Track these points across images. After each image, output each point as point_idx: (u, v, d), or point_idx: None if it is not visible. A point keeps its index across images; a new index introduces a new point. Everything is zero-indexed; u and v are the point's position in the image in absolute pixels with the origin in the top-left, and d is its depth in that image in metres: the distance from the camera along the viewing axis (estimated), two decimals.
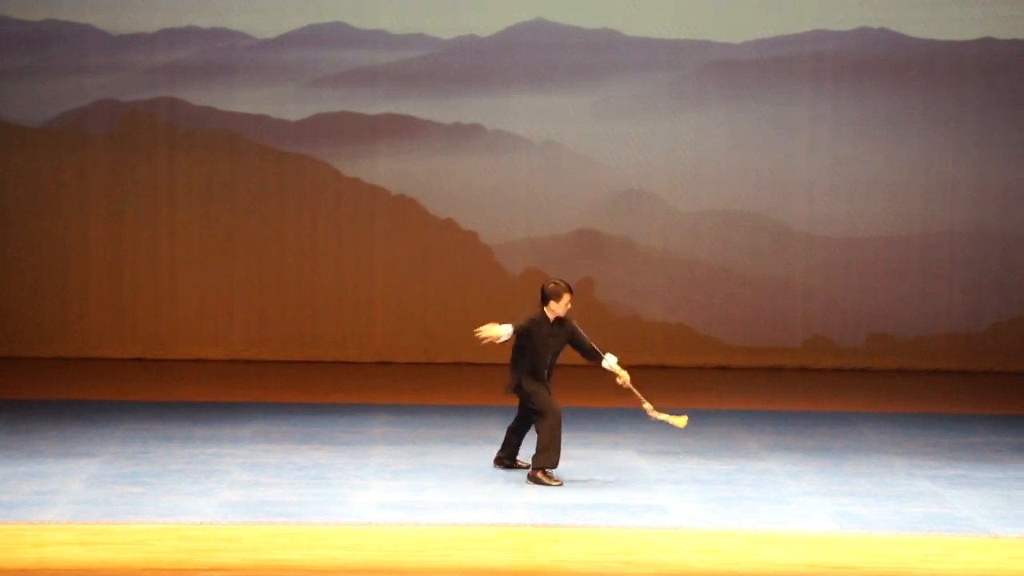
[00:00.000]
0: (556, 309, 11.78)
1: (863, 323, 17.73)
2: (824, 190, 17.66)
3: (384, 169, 17.73)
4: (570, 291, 11.80)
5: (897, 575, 9.69)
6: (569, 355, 12.10)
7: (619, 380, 11.79)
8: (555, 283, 11.81)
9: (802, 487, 11.83)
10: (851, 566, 9.82)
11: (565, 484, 11.77)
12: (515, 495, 11.44)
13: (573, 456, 12.71)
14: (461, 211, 17.77)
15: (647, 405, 11.85)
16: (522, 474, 12.07)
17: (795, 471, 12.37)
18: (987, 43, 17.51)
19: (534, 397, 11.79)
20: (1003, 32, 17.52)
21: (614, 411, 14.35)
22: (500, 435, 13.73)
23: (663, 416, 11.87)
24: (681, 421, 11.91)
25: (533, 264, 17.73)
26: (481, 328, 11.61)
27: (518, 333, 11.70)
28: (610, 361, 11.80)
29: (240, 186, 17.75)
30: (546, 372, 11.86)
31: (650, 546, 10.19)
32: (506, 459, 12.24)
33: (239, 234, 17.76)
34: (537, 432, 11.82)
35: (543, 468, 11.74)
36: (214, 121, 17.68)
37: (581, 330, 11.88)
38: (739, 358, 17.69)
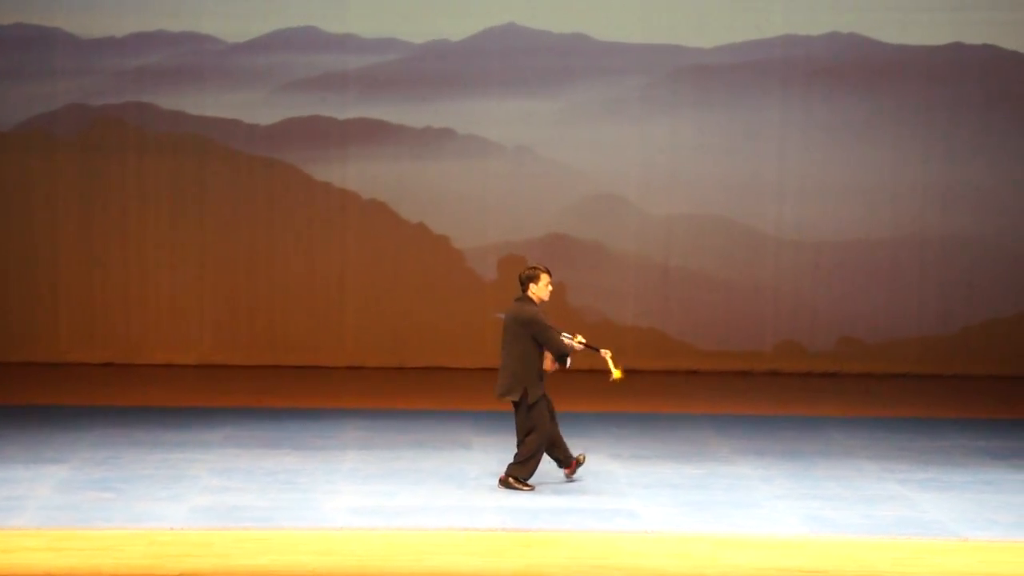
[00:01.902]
0: (539, 293, 11.76)
1: (833, 327, 17.77)
2: (794, 194, 17.70)
3: (355, 174, 17.71)
4: (547, 272, 11.80)
5: None
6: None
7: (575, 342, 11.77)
8: (529, 268, 11.83)
9: (773, 491, 11.85)
10: (821, 569, 9.84)
11: (537, 488, 11.76)
12: (487, 500, 11.43)
13: (545, 460, 12.70)
14: (432, 216, 17.76)
15: (579, 338, 11.81)
16: (496, 479, 12.05)
17: (766, 475, 12.38)
18: (956, 48, 17.58)
19: (534, 414, 11.71)
20: (972, 37, 17.59)
21: (587, 416, 14.36)
22: (471, 439, 13.74)
23: (607, 356, 11.79)
24: (616, 371, 11.81)
25: (504, 269, 17.72)
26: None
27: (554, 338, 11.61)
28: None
29: (210, 190, 17.71)
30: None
31: (622, 550, 10.20)
32: (564, 460, 12.06)
33: (209, 239, 17.72)
34: (523, 443, 11.77)
35: (517, 477, 11.72)
36: (184, 125, 17.64)
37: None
38: (710, 362, 17.71)
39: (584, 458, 12.01)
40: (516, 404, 11.76)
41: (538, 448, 11.70)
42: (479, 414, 14.93)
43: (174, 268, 17.70)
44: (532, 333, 11.62)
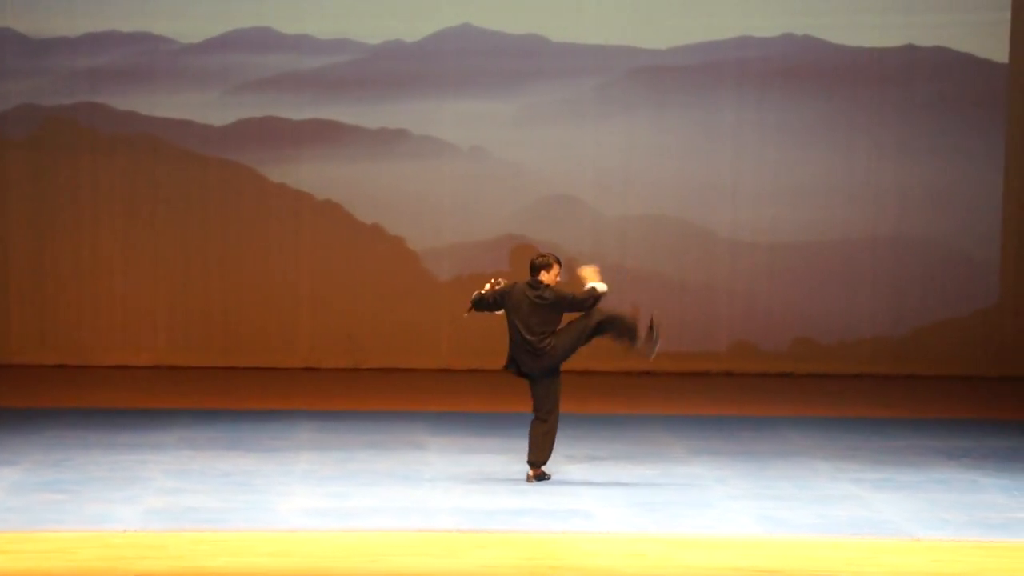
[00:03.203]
0: (549, 281, 11.91)
1: (787, 328, 17.84)
2: (749, 196, 17.76)
3: (309, 174, 17.67)
4: (559, 262, 11.98)
5: None
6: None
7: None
8: (542, 255, 11.97)
9: (727, 491, 11.88)
10: (775, 569, 9.87)
11: (492, 489, 11.76)
12: (442, 500, 11.42)
13: (499, 461, 12.71)
14: (387, 216, 17.74)
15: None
16: (451, 479, 12.04)
17: (720, 475, 12.42)
18: (909, 50, 17.67)
19: (559, 383, 11.86)
20: (924, 39, 17.69)
21: None
22: (426, 440, 13.72)
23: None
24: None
25: (460, 270, 17.72)
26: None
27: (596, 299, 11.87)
28: None
29: (163, 191, 17.64)
30: None
31: (576, 551, 10.21)
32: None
33: (163, 240, 17.65)
34: (552, 427, 11.80)
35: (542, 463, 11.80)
36: (137, 126, 17.56)
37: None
38: (665, 363, 17.72)
39: (544, 477, 12.04)
40: (537, 378, 11.81)
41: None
42: (434, 415, 14.92)
43: (127, 269, 17.62)
44: (563, 307, 11.84)
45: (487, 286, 11.98)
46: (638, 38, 17.65)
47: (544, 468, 11.94)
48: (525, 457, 12.10)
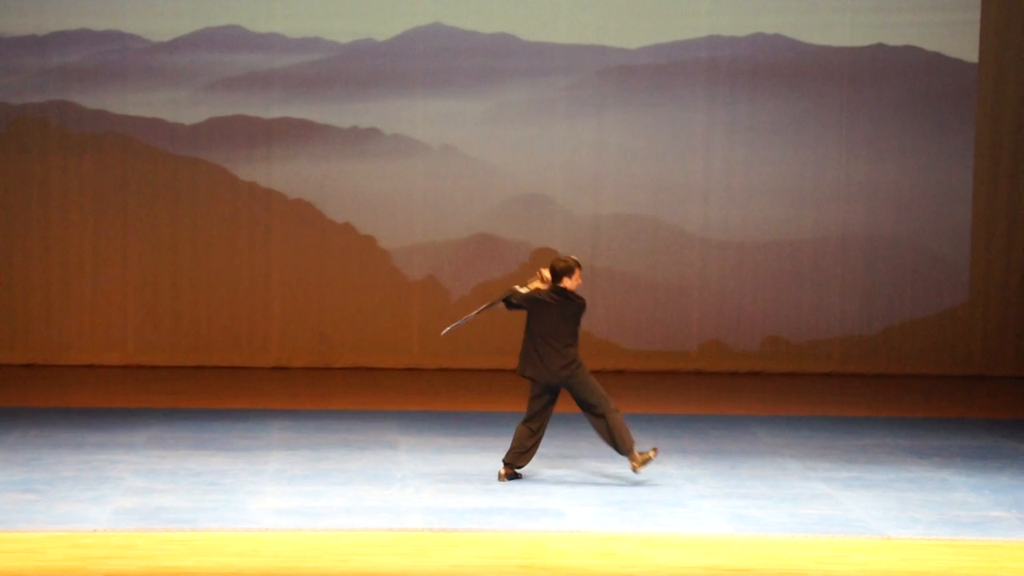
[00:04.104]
0: (571, 286, 11.87)
1: (757, 327, 17.88)
2: (719, 195, 17.79)
3: (280, 173, 17.64)
4: (579, 266, 11.91)
5: None
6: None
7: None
8: (564, 260, 11.91)
9: (698, 490, 11.90)
10: (746, 568, 9.89)
11: (462, 488, 11.75)
12: (413, 500, 11.42)
13: (470, 460, 12.71)
14: (359, 215, 17.72)
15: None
16: (422, 479, 12.04)
17: (691, 474, 12.44)
18: (879, 49, 17.73)
19: (589, 377, 11.85)
20: (894, 39, 17.74)
21: (512, 415, 14.36)
22: (397, 439, 13.71)
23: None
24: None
25: (431, 269, 17.71)
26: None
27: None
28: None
29: (133, 190, 17.58)
30: None
31: (547, 550, 10.21)
32: (514, 462, 12.00)
33: (133, 239, 17.60)
34: (603, 416, 11.76)
35: (632, 449, 11.75)
36: (107, 125, 17.51)
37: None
38: (635, 362, 17.77)
39: (515, 476, 12.01)
40: (566, 385, 11.79)
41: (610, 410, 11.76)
42: (405, 414, 14.92)
43: (97, 268, 17.56)
44: (581, 319, 11.83)
45: (523, 288, 11.83)
46: (609, 37, 17.67)
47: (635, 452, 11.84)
48: (496, 456, 12.09)
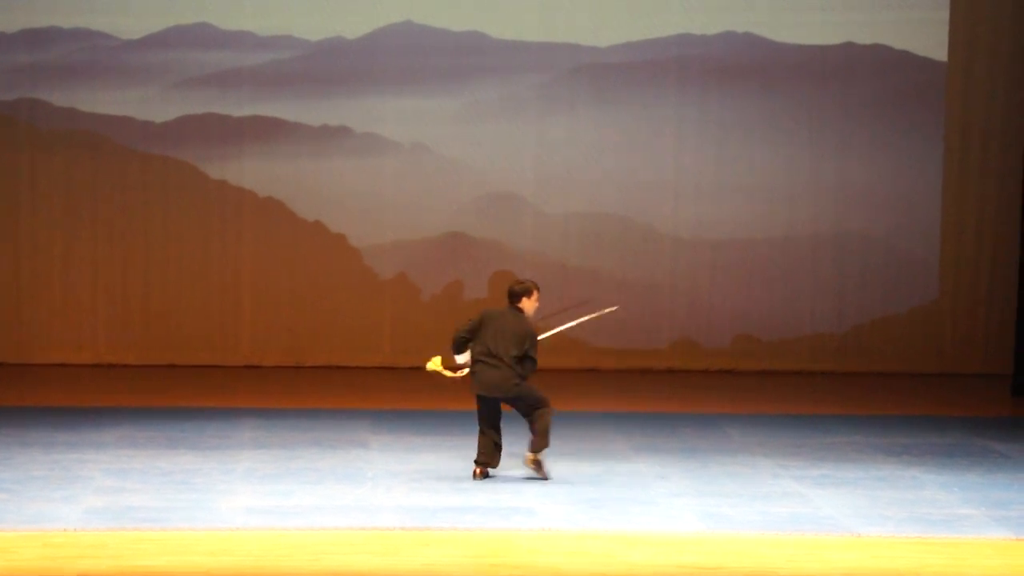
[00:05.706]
0: (529, 308, 11.90)
1: (728, 325, 17.91)
2: (691, 193, 17.81)
3: (251, 171, 17.61)
4: (537, 288, 11.95)
5: (763, 574, 9.80)
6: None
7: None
8: (522, 282, 11.96)
9: (670, 488, 11.92)
10: (718, 566, 9.91)
11: (435, 486, 11.75)
12: (384, 498, 11.41)
13: (443, 459, 12.71)
14: (330, 214, 17.70)
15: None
16: (393, 477, 12.03)
17: (663, 472, 12.46)
18: (848, 48, 17.78)
19: (532, 387, 11.84)
20: (864, 37, 17.79)
21: None
22: (369, 438, 13.70)
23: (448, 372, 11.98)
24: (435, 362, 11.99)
25: (402, 267, 17.69)
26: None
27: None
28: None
29: (104, 188, 17.53)
30: None
31: (519, 548, 10.22)
32: (486, 461, 12.02)
33: (103, 237, 17.54)
34: (545, 419, 11.78)
35: (540, 451, 11.77)
36: (77, 122, 17.44)
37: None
38: (607, 360, 17.78)
39: (487, 475, 12.02)
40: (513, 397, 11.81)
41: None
42: (376, 413, 14.90)
43: (67, 266, 17.50)
44: (528, 348, 11.74)
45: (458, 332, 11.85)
46: (580, 36, 17.68)
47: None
48: (468, 455, 12.09)
